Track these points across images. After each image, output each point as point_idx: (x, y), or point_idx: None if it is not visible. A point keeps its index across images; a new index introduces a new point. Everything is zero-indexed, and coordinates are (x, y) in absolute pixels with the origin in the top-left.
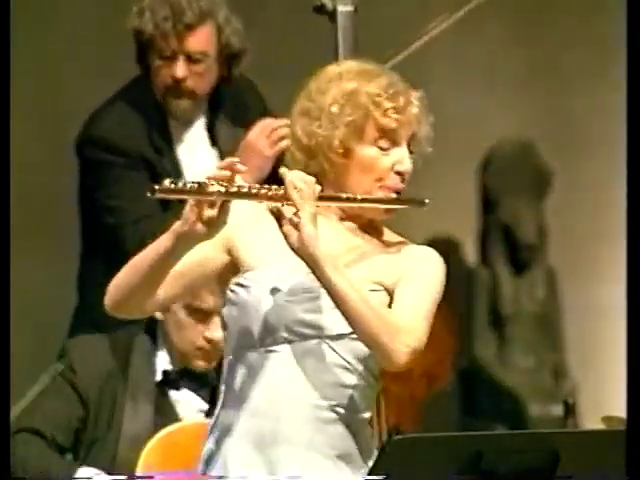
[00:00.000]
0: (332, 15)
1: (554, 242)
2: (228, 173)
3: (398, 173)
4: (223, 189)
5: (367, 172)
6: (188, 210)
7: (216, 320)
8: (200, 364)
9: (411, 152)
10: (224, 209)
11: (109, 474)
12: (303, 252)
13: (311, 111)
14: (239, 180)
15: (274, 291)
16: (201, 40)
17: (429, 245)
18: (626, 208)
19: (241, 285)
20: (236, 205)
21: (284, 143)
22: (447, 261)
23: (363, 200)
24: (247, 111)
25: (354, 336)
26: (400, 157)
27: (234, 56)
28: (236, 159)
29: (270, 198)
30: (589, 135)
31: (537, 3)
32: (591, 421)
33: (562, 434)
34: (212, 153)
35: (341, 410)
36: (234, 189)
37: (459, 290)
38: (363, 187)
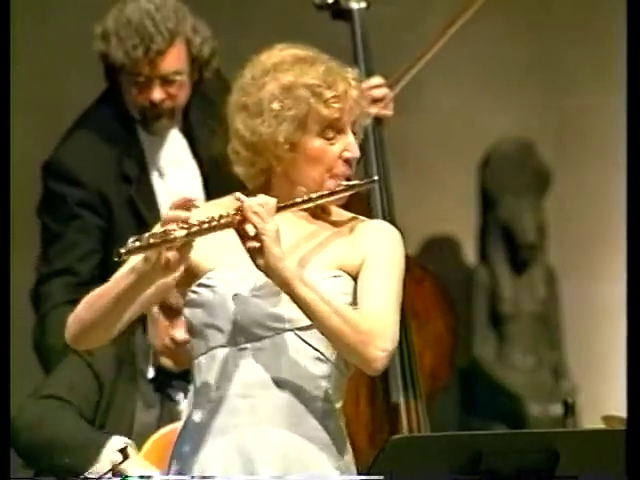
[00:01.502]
0: (342, 13)
1: (554, 241)
2: (186, 214)
3: (346, 161)
4: (184, 232)
5: (316, 164)
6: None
7: (182, 320)
8: (167, 362)
9: (354, 134)
10: (186, 248)
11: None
12: (271, 273)
13: (249, 106)
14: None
15: (240, 288)
16: (173, 60)
17: (429, 245)
18: (626, 208)
19: (204, 285)
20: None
21: None
22: (446, 260)
23: (318, 198)
24: (216, 107)
25: None
26: (347, 144)
27: (205, 63)
28: (191, 197)
29: (231, 224)
30: (589, 134)
31: (537, 2)
32: (591, 421)
33: (562, 434)
34: (193, 159)
35: (317, 402)
36: (195, 228)
37: (459, 289)
38: (313, 178)
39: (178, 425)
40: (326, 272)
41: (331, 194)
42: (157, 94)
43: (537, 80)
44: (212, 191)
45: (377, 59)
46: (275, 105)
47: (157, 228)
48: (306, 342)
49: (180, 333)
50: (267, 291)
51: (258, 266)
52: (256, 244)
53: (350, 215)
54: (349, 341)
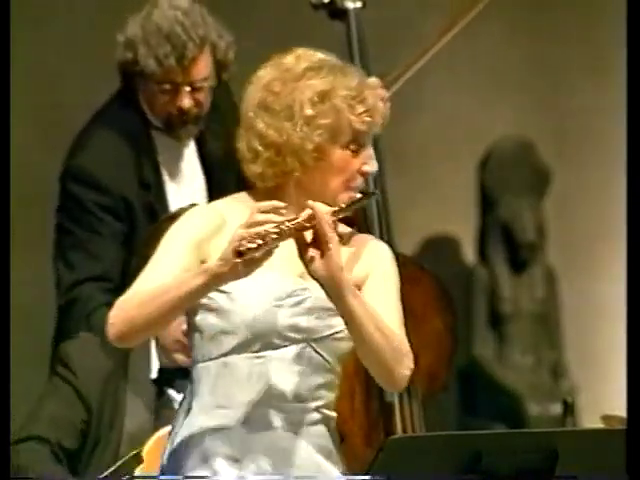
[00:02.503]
0: (338, 13)
1: (553, 241)
2: (279, 218)
3: (363, 174)
4: (276, 236)
5: (337, 174)
6: (230, 251)
7: None
8: (180, 358)
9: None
10: (268, 253)
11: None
12: (328, 282)
13: (276, 107)
14: None
15: (261, 296)
16: (203, 67)
17: (429, 245)
18: (626, 207)
19: (219, 291)
20: (205, 213)
21: None
22: (446, 260)
23: (346, 208)
24: (220, 112)
25: (336, 336)
26: (368, 158)
27: (225, 67)
28: (279, 203)
29: (303, 230)
30: (588, 134)
31: (537, 2)
32: (590, 420)
33: (561, 433)
34: (199, 163)
35: (324, 410)
36: (277, 235)
37: (458, 289)
38: (330, 188)
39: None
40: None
41: (350, 205)
42: (187, 102)
43: (536, 80)
44: (215, 195)
45: (374, 59)
46: (309, 111)
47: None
48: (318, 352)
49: None
50: (288, 302)
51: (315, 273)
52: (316, 251)
53: (353, 232)
54: (384, 358)
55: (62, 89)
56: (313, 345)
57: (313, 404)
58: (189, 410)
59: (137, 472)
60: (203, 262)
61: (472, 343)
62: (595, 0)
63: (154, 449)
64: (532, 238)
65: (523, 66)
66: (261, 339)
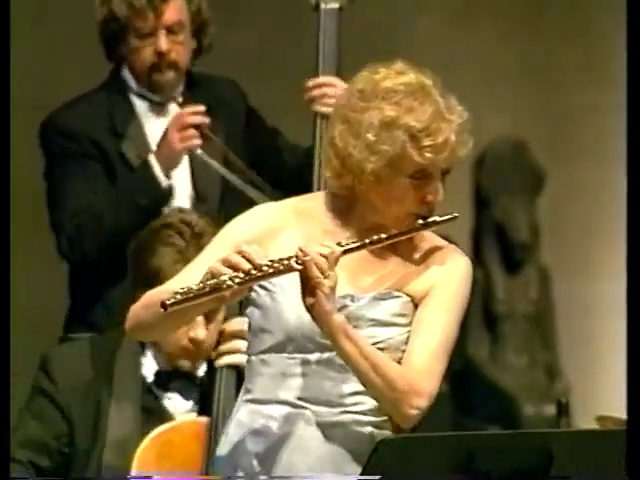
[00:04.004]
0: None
1: (547, 241)
2: (247, 266)
3: (427, 203)
4: (237, 280)
5: (396, 200)
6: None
7: (199, 320)
8: (185, 364)
9: (448, 171)
10: (241, 290)
11: None
12: (318, 323)
13: (350, 121)
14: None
15: (297, 301)
16: (176, 10)
17: None
18: (626, 207)
19: (265, 288)
20: (258, 213)
21: (196, 142)
22: None
23: (388, 238)
24: (224, 107)
25: (377, 346)
26: (432, 189)
27: (203, 26)
28: (249, 249)
29: (287, 271)
30: (584, 133)
31: (533, 1)
32: (584, 421)
33: (555, 434)
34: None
35: (362, 415)
36: (248, 276)
37: None
38: (389, 212)
39: (175, 423)
40: (386, 292)
41: (403, 234)
42: (163, 43)
43: (531, 80)
44: (198, 186)
45: (356, 60)
46: (370, 136)
47: (215, 265)
48: None
49: (201, 332)
50: None
51: (307, 310)
52: (311, 299)
53: (433, 242)
54: (383, 396)
55: (62, 89)
56: None
57: (347, 409)
58: (241, 402)
59: (133, 472)
60: None
61: (466, 343)
62: (593, 0)
63: (148, 448)
64: (526, 238)
65: (519, 65)
66: (294, 342)
